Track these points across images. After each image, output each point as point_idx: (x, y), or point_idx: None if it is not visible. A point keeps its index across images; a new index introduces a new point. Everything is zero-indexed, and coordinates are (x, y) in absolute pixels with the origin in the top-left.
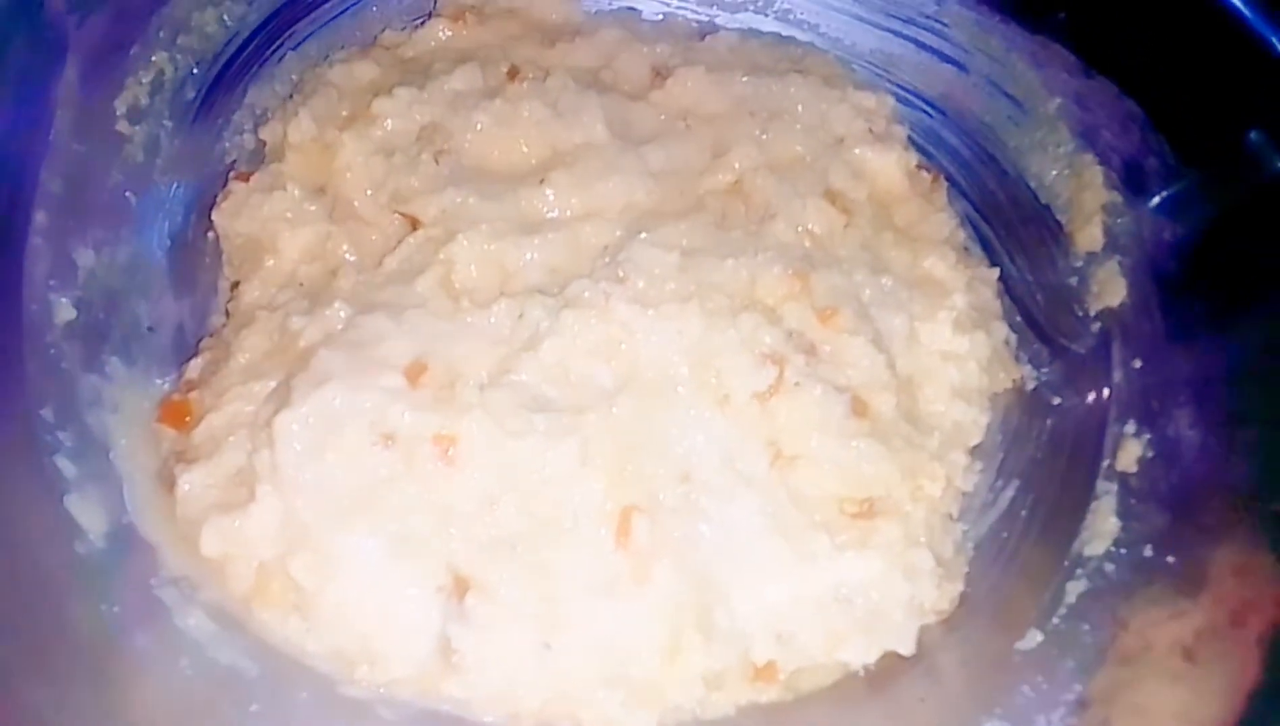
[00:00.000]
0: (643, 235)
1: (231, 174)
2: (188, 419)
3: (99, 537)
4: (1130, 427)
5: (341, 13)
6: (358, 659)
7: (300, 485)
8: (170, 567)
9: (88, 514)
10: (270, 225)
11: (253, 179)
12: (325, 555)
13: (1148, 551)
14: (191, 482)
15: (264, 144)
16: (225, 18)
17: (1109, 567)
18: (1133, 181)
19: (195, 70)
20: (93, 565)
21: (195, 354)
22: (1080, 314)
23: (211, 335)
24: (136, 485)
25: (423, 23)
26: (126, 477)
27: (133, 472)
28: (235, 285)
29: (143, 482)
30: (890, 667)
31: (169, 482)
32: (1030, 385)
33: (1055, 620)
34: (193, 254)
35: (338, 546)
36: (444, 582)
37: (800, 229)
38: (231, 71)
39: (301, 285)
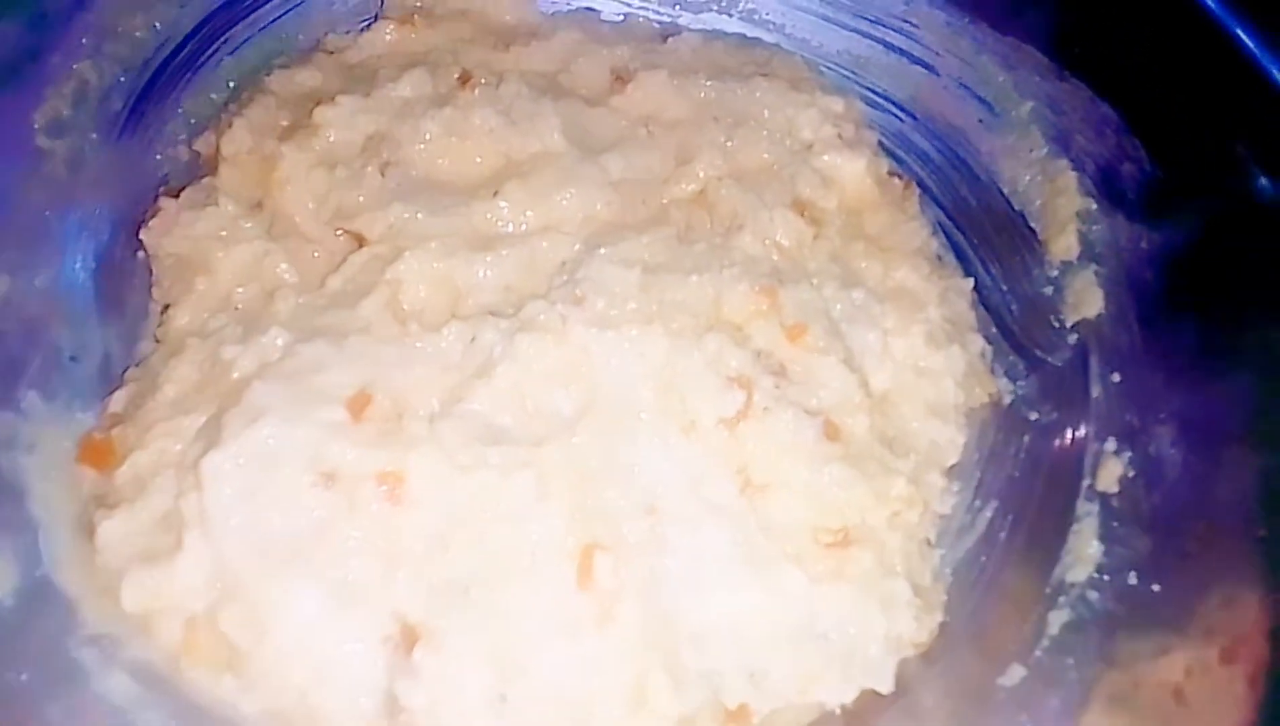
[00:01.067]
0: (602, 250)
1: (162, 189)
2: (110, 458)
3: (9, 594)
4: (1110, 445)
5: (282, 15)
6: (297, 719)
7: (231, 531)
8: (89, 625)
9: None
10: (203, 244)
11: (184, 194)
12: (260, 607)
13: (1132, 579)
14: (113, 530)
15: (199, 156)
16: (156, 23)
17: (1092, 595)
18: (1108, 188)
19: (123, 79)
20: (0, 626)
21: (121, 385)
22: (1057, 325)
23: (139, 364)
24: (54, 533)
25: (368, 25)
26: (43, 525)
27: (50, 520)
28: (165, 309)
29: (61, 530)
30: (868, 706)
31: (90, 529)
32: (1007, 400)
33: (1038, 653)
34: (121, 277)
35: (273, 597)
36: (391, 632)
37: (768, 241)
38: (163, 80)
39: (237, 309)
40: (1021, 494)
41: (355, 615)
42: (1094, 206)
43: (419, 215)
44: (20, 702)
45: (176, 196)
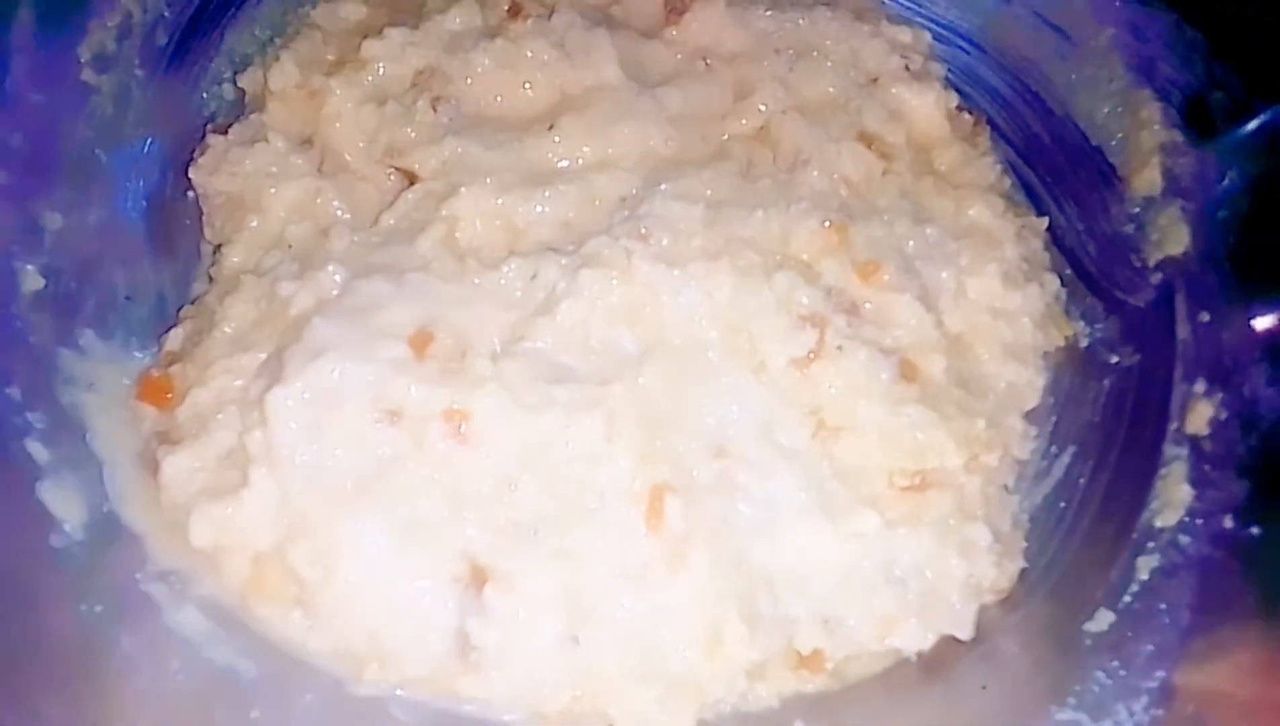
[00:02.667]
0: (663, 186)
1: (209, 127)
2: (170, 395)
3: (77, 529)
4: (1200, 387)
5: None
6: (366, 657)
7: (298, 467)
8: (158, 560)
9: (64, 503)
10: (253, 181)
11: (232, 131)
12: (328, 544)
13: (1228, 522)
14: (177, 466)
15: (244, 94)
16: None
17: (1184, 540)
18: (1195, 119)
19: (167, 13)
20: (70, 560)
21: (176, 324)
22: (1138, 265)
23: (194, 303)
24: (118, 470)
25: None
26: (107, 462)
27: (113, 456)
28: (218, 248)
29: (124, 467)
30: (946, 653)
31: (153, 466)
32: (1084, 342)
33: (1127, 598)
34: (171, 215)
35: (341, 534)
36: (460, 572)
37: (835, 176)
38: (207, 15)
39: (290, 247)
40: (1102, 438)
41: (424, 554)
42: (1180, 138)
43: (472, 150)
44: (96, 633)
45: (224, 134)
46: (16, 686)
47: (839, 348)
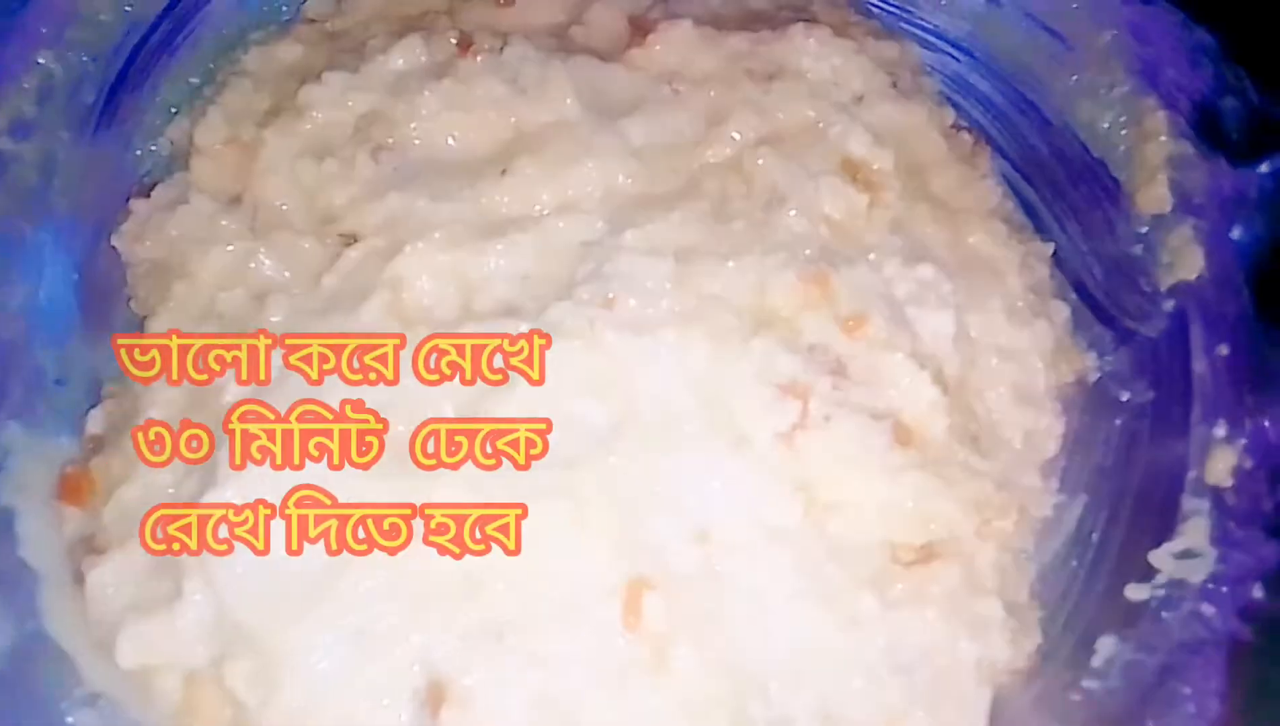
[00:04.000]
0: (628, 235)
1: (134, 189)
2: (91, 494)
3: (4, 653)
4: (1220, 430)
5: None
6: None
7: (236, 576)
8: (88, 683)
9: None
10: (178, 246)
11: (154, 193)
12: (270, 660)
13: (1257, 592)
14: (102, 577)
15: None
16: (125, 4)
17: (1208, 611)
18: (1206, 128)
19: (92, 68)
20: None
21: (97, 403)
22: (1149, 290)
23: (117, 379)
24: (47, 581)
25: None
26: (37, 574)
27: (43, 566)
28: (143, 321)
29: (53, 578)
30: None
31: (79, 576)
32: (1093, 377)
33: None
34: (106, 288)
35: (285, 648)
36: (419, 686)
37: (815, 215)
38: (137, 65)
39: (222, 317)
40: (1114, 487)
41: (379, 667)
42: (1189, 150)
43: (418, 203)
44: None
45: (149, 196)
46: None
47: (826, 417)
